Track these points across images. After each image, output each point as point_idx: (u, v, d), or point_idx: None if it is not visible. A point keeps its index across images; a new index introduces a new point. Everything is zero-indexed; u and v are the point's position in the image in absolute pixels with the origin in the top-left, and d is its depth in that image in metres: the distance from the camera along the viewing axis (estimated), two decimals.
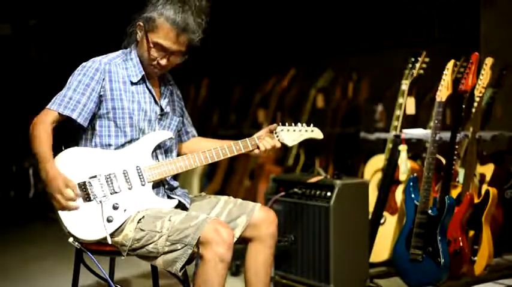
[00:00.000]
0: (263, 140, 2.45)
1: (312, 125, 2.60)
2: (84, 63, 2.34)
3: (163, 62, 2.31)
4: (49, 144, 2.23)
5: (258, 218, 2.38)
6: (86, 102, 2.28)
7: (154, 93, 2.39)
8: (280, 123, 2.55)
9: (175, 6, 2.25)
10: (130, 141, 2.34)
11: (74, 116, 2.27)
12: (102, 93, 2.30)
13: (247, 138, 2.45)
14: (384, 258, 3.53)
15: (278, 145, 2.50)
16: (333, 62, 5.28)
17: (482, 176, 3.59)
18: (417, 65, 3.68)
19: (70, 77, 2.33)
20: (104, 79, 2.31)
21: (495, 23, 4.65)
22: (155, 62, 2.32)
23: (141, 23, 2.31)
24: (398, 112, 3.73)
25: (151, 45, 2.29)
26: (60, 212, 2.21)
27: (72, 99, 2.27)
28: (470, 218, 3.09)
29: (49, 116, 2.26)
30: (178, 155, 2.51)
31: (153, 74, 2.39)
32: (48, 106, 2.28)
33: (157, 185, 2.36)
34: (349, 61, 5.61)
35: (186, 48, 2.32)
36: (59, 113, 2.26)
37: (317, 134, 2.59)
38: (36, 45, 7.08)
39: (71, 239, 2.22)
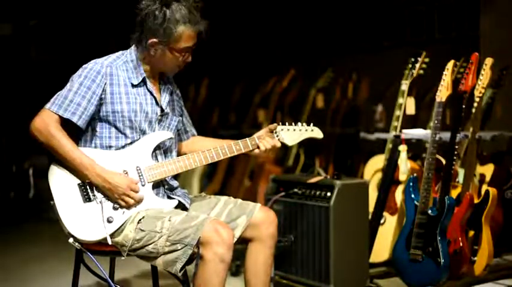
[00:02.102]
0: (263, 140, 2.45)
1: (312, 124, 2.60)
2: (85, 65, 2.32)
3: (190, 58, 2.37)
4: (78, 149, 2.25)
5: (258, 218, 2.38)
6: (87, 106, 2.27)
7: (155, 95, 2.39)
8: (280, 123, 2.54)
9: (178, 9, 2.25)
10: (131, 143, 2.34)
11: (74, 120, 2.26)
12: (102, 96, 2.30)
13: (247, 138, 2.45)
14: (384, 258, 3.53)
15: (278, 144, 2.49)
16: (333, 62, 5.28)
17: (482, 176, 3.59)
18: (417, 65, 3.68)
19: (71, 78, 2.31)
20: (105, 83, 2.30)
21: (495, 23, 4.65)
22: (183, 64, 2.36)
23: (157, 40, 2.27)
24: (398, 112, 3.73)
25: (182, 53, 2.31)
26: (60, 213, 2.21)
27: (72, 102, 2.26)
28: (470, 218, 3.08)
29: (52, 119, 2.24)
30: (178, 154, 2.51)
31: (173, 73, 2.42)
32: (48, 107, 2.26)
33: (158, 185, 2.36)
34: (349, 61, 5.61)
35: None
36: (59, 116, 2.25)
37: (317, 133, 2.59)
38: (36, 45, 7.08)
39: (71, 240, 2.22)
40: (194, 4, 2.29)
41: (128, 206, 2.26)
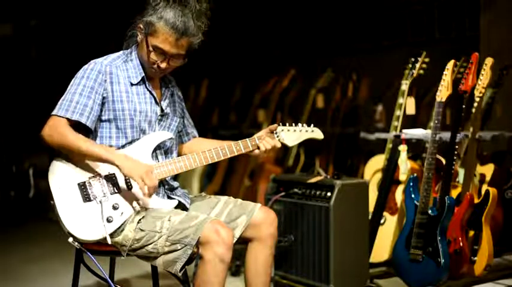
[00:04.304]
0: (263, 140, 2.45)
1: (312, 125, 2.60)
2: (85, 66, 2.33)
3: (163, 65, 2.31)
4: (91, 141, 2.25)
5: (258, 218, 2.38)
6: (93, 105, 2.28)
7: (155, 94, 2.39)
8: (280, 124, 2.54)
9: (175, 10, 2.24)
10: (130, 143, 2.34)
11: (83, 121, 2.26)
12: (104, 95, 2.30)
13: (247, 139, 2.45)
14: (384, 258, 3.53)
15: (278, 145, 2.49)
16: (333, 62, 5.28)
17: (482, 176, 3.59)
18: (417, 65, 3.68)
19: (72, 81, 2.31)
20: (105, 81, 2.30)
21: (495, 23, 4.65)
22: (155, 65, 2.32)
23: (141, 26, 2.30)
24: (398, 112, 3.73)
25: (151, 49, 2.28)
26: (60, 212, 2.21)
27: (79, 103, 2.26)
28: (470, 218, 3.08)
29: (60, 123, 2.23)
30: (179, 155, 2.51)
31: (153, 76, 2.39)
32: (55, 113, 2.25)
33: (158, 185, 2.36)
34: (349, 61, 5.61)
35: (186, 52, 2.32)
36: (68, 119, 2.25)
37: (317, 134, 2.59)
38: (36, 45, 7.09)
39: (70, 239, 2.22)
40: (198, 22, 2.26)
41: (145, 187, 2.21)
